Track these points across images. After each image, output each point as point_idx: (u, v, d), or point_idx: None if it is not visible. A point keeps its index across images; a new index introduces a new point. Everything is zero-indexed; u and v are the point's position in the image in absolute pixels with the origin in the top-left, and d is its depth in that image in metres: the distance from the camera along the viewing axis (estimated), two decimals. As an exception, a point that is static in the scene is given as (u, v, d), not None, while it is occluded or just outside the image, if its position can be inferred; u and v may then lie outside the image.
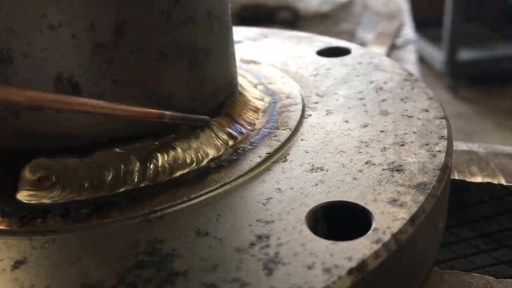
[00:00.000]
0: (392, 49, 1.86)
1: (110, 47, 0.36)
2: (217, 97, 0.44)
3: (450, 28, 3.77)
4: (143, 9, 0.36)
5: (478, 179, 0.46)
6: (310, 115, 0.47)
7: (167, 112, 0.38)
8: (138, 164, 0.38)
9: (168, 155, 0.39)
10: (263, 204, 0.35)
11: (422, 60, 4.08)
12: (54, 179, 0.37)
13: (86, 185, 0.37)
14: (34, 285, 0.30)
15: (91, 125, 0.38)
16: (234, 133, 0.43)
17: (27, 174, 0.38)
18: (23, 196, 0.37)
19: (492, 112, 3.53)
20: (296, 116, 0.46)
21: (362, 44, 2.07)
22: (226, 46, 0.44)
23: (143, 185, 0.38)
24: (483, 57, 3.82)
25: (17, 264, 0.32)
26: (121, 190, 0.38)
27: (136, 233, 0.34)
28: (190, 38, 0.40)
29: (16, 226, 0.35)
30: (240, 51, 0.47)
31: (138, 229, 0.34)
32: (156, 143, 0.40)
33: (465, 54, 3.86)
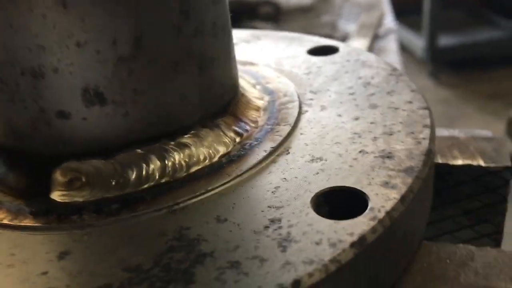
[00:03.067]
0: (375, 39, 1.91)
1: (130, 59, 0.40)
2: (223, 98, 0.48)
3: (429, 15, 3.83)
4: (157, 24, 0.41)
5: (459, 161, 0.51)
6: (307, 111, 0.52)
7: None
8: (158, 162, 0.43)
9: (183, 154, 0.44)
10: (272, 192, 0.40)
11: (404, 49, 4.15)
12: (84, 180, 0.42)
13: (113, 183, 0.42)
14: (81, 272, 0.35)
15: (113, 129, 0.42)
16: (240, 131, 0.48)
17: (59, 176, 0.42)
18: (56, 196, 0.42)
19: (473, 97, 3.62)
20: (294, 112, 0.51)
21: (345, 36, 2.11)
22: (229, 52, 0.49)
23: (163, 181, 0.43)
24: (463, 42, 3.90)
25: (62, 255, 0.36)
26: (145, 186, 0.42)
27: (163, 223, 0.38)
28: (199, 47, 0.44)
29: (55, 223, 0.39)
30: (236, 53, 0.51)
31: (165, 220, 0.39)
32: (172, 143, 0.44)
33: (445, 40, 3.93)
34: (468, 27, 4.05)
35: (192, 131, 0.45)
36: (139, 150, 0.43)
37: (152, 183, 0.42)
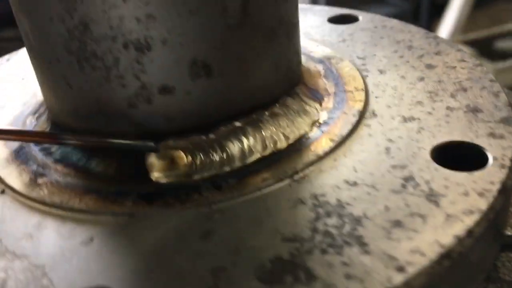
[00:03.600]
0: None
1: (237, 27, 0.39)
2: (299, 66, 0.48)
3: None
4: None
5: None
6: (367, 75, 0.52)
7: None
8: (257, 135, 0.42)
9: (279, 124, 0.43)
10: (385, 153, 0.41)
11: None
12: (187, 159, 0.40)
13: (218, 159, 0.40)
14: (238, 247, 0.33)
15: (215, 102, 0.41)
16: (317, 98, 0.48)
17: (157, 159, 0.40)
18: (159, 177, 0.39)
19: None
20: (357, 77, 0.51)
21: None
22: (298, 19, 0.48)
23: (267, 153, 0.41)
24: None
25: (204, 234, 0.34)
26: (252, 159, 0.41)
27: (293, 192, 0.37)
28: (287, 13, 0.43)
29: (178, 203, 0.37)
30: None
31: (293, 189, 0.38)
32: (267, 113, 0.43)
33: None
34: (357, 4, 4.21)
35: (280, 101, 0.44)
36: (237, 123, 0.42)
37: (258, 156, 0.41)
